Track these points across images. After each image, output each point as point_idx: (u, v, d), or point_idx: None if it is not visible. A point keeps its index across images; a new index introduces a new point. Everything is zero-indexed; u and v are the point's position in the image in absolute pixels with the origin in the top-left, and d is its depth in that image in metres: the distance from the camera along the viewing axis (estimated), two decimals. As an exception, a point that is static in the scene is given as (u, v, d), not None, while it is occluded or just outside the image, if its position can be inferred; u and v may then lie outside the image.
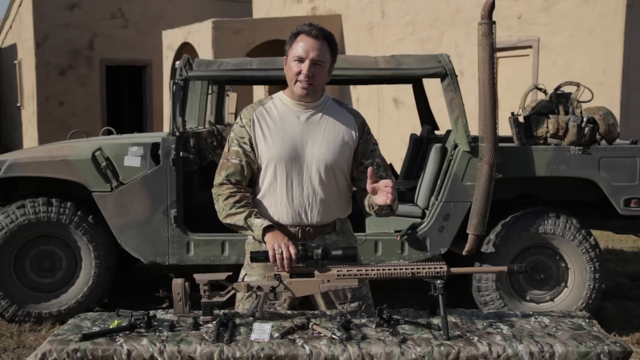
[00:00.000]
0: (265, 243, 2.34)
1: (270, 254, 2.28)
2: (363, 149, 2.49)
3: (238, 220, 2.42)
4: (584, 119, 4.34)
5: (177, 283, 2.29)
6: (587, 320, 2.32)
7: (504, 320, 2.29)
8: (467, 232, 4.30)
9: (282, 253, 2.26)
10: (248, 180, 2.50)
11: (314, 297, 2.54)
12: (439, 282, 2.20)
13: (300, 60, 2.36)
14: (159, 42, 12.85)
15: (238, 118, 2.51)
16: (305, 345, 2.04)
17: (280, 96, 2.50)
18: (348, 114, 2.51)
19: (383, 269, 2.23)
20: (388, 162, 2.88)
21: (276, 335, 2.11)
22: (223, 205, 2.46)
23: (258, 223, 2.38)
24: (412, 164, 5.43)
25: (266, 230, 2.35)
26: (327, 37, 2.39)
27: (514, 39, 8.34)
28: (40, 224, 4.48)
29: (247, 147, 2.45)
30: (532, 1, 8.21)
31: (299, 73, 2.36)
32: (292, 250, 2.26)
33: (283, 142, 2.41)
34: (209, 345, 2.05)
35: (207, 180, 4.17)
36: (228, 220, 2.46)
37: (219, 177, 2.49)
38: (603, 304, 4.81)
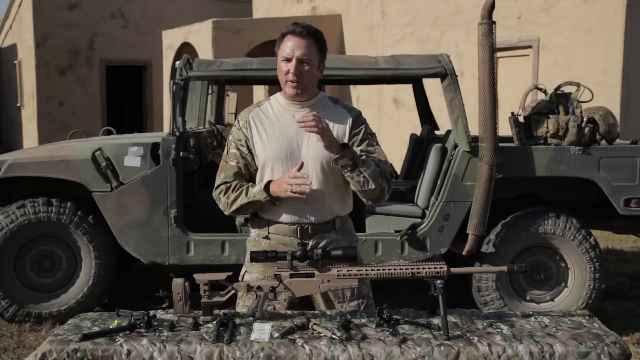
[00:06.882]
0: (276, 199, 2.37)
1: (287, 192, 2.30)
2: (356, 139, 2.47)
3: (242, 200, 2.44)
4: (584, 119, 4.34)
5: (177, 283, 2.28)
6: (587, 318, 2.32)
7: (504, 320, 2.29)
8: (467, 232, 4.31)
9: (294, 184, 2.28)
10: (246, 181, 2.51)
11: (313, 295, 2.54)
12: (439, 282, 2.20)
13: (288, 60, 2.39)
14: (159, 42, 12.84)
15: (236, 121, 2.54)
16: (305, 345, 2.04)
17: (277, 97, 2.53)
18: (342, 109, 2.52)
19: (383, 269, 2.23)
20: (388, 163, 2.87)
21: (276, 335, 2.10)
22: (225, 200, 2.48)
23: (257, 189, 2.41)
24: (412, 164, 5.44)
25: (267, 186, 2.38)
26: (313, 35, 2.40)
27: (514, 39, 8.34)
28: (40, 224, 4.48)
29: (244, 150, 2.48)
30: (532, 1, 8.20)
31: (287, 72, 2.39)
32: (298, 173, 2.29)
33: (279, 141, 2.43)
34: (209, 345, 2.05)
35: (207, 180, 4.18)
36: (234, 208, 2.47)
37: (218, 180, 2.53)
38: (603, 304, 4.81)
